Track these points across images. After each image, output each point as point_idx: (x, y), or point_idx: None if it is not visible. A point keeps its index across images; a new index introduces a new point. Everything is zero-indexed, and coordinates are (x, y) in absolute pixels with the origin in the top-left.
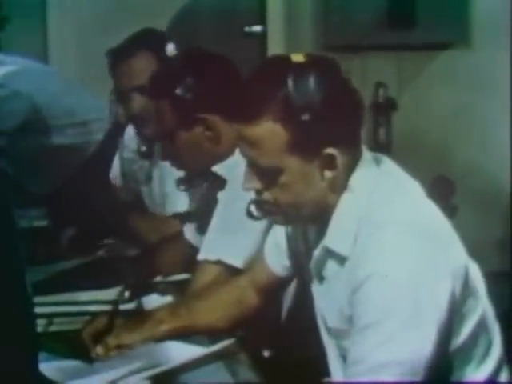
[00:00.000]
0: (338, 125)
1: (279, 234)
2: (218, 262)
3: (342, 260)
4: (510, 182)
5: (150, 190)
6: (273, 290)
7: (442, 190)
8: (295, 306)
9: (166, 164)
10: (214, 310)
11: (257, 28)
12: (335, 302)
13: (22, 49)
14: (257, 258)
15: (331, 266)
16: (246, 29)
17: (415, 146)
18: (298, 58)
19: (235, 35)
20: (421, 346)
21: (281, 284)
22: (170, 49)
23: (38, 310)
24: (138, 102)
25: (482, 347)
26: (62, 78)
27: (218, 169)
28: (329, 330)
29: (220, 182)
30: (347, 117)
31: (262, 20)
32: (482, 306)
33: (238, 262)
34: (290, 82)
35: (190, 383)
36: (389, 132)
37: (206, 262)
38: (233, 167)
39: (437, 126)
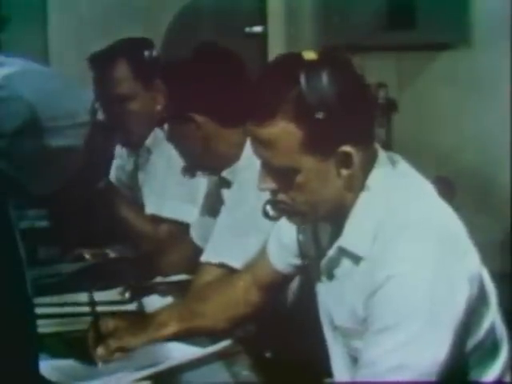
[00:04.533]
0: (352, 122)
1: (285, 232)
2: (221, 265)
3: (357, 260)
4: (510, 182)
5: (140, 195)
6: (275, 287)
7: (443, 191)
8: (297, 305)
9: (152, 169)
10: (217, 311)
11: (257, 28)
12: (346, 301)
13: (22, 49)
14: (259, 257)
15: (344, 265)
16: (247, 29)
17: (415, 146)
18: (310, 55)
19: (235, 35)
20: (436, 350)
21: (283, 281)
22: (148, 54)
23: (38, 310)
24: (120, 109)
25: (488, 353)
26: (62, 79)
27: (225, 174)
28: (335, 328)
29: (227, 186)
30: (361, 114)
31: (262, 20)
32: (493, 312)
33: (240, 266)
34: (302, 81)
35: (190, 383)
36: (389, 132)
37: (209, 264)
38: (238, 172)
39: (437, 127)
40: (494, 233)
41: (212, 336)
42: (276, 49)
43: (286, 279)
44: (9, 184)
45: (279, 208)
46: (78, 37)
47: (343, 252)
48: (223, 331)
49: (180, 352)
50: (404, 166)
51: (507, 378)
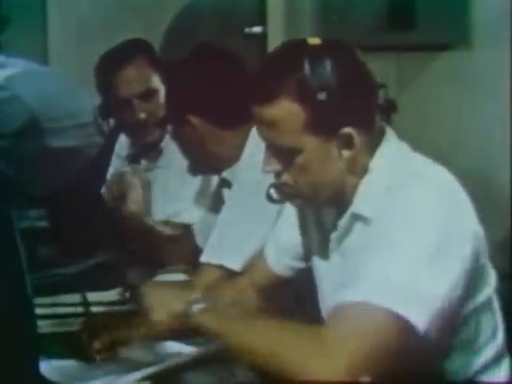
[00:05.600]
0: (354, 105)
1: (284, 234)
2: (220, 266)
3: (369, 224)
4: (510, 183)
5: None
6: (273, 290)
7: None
8: (296, 305)
9: (162, 170)
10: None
11: (257, 29)
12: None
13: (22, 49)
14: (256, 260)
15: (356, 233)
16: (247, 29)
17: (415, 146)
18: (314, 40)
19: (235, 36)
20: (436, 283)
21: (281, 284)
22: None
23: (38, 311)
24: (141, 108)
25: (486, 329)
26: (63, 81)
27: (226, 174)
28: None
29: (227, 186)
30: (363, 97)
31: (262, 20)
32: (493, 288)
33: (239, 268)
34: (306, 63)
35: (189, 383)
36: None
37: (209, 264)
38: (238, 172)
39: (437, 127)
40: (494, 233)
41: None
42: None
43: (283, 282)
44: (10, 184)
45: (283, 191)
46: (78, 37)
47: (355, 218)
48: None
49: (179, 351)
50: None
51: (503, 365)
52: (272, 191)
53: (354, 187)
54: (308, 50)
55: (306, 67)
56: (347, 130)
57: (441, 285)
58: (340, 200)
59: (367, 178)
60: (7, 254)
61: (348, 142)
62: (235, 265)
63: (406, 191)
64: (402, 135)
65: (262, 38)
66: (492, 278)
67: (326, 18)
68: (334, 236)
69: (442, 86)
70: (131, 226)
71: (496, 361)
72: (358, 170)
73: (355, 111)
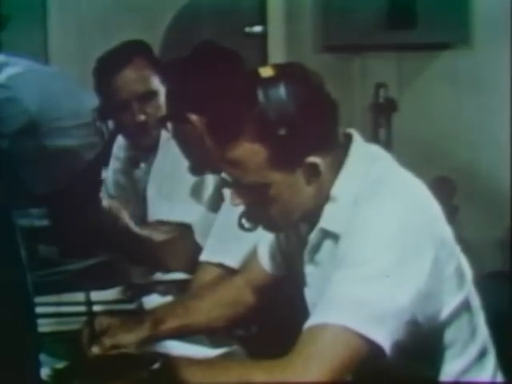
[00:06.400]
0: (315, 132)
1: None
2: (220, 265)
3: (336, 239)
4: (510, 182)
5: (137, 198)
6: (268, 289)
7: (443, 190)
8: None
9: (156, 171)
10: (211, 309)
11: (257, 28)
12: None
13: (23, 49)
14: (251, 259)
15: (326, 248)
16: (247, 29)
17: (415, 146)
18: (266, 72)
19: (235, 35)
20: (396, 296)
21: (276, 283)
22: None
23: (38, 310)
24: (140, 110)
25: (465, 331)
26: (64, 80)
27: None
28: None
29: (227, 185)
30: (323, 123)
31: (262, 20)
32: (468, 289)
33: (238, 266)
34: (261, 100)
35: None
36: (389, 132)
37: (208, 263)
38: None
39: (437, 126)
40: (494, 233)
41: (210, 335)
42: (276, 49)
43: (277, 281)
44: (10, 183)
45: (254, 220)
46: (78, 37)
47: (324, 234)
48: (218, 330)
49: (180, 351)
50: (380, 152)
51: (486, 365)
52: (243, 220)
53: (324, 203)
54: (261, 84)
55: (262, 105)
56: (311, 159)
57: (403, 297)
58: (310, 216)
59: (333, 194)
60: (7, 253)
61: (314, 171)
62: (234, 263)
63: (369, 203)
64: (402, 134)
65: (262, 37)
66: (467, 278)
67: (326, 18)
68: (307, 249)
69: (443, 85)
70: (128, 232)
71: (478, 360)
72: (327, 187)
73: (317, 139)
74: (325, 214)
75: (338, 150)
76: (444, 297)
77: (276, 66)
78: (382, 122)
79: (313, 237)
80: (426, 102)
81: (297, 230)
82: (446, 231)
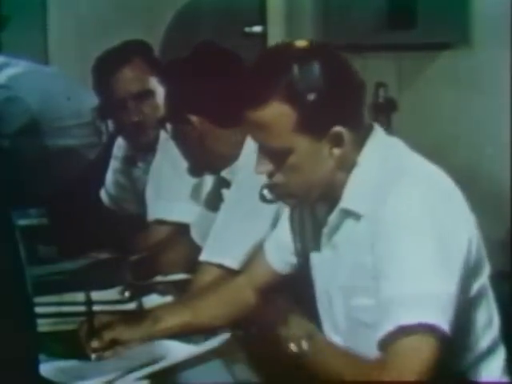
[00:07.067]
0: (342, 105)
1: (285, 231)
2: (220, 266)
3: (358, 219)
4: (510, 182)
5: (137, 197)
6: (271, 288)
7: None
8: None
9: (156, 170)
10: (212, 308)
11: (257, 28)
12: (351, 262)
13: (22, 49)
14: (256, 257)
15: (344, 229)
16: (246, 29)
17: (415, 146)
18: (301, 43)
19: (235, 35)
20: (446, 282)
21: (279, 281)
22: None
23: (38, 309)
24: (136, 109)
25: (485, 314)
26: (65, 80)
27: (225, 174)
28: (339, 288)
29: (226, 185)
30: (350, 97)
31: (262, 20)
32: (487, 272)
33: (238, 266)
34: (294, 66)
35: (188, 383)
36: (389, 132)
37: (208, 263)
38: (237, 171)
39: (437, 127)
40: (494, 233)
41: (209, 335)
42: None
43: (281, 279)
44: (11, 183)
45: (275, 191)
46: (78, 37)
47: (345, 214)
48: (219, 329)
49: (178, 350)
50: (398, 142)
51: (498, 354)
52: (265, 191)
53: (344, 182)
54: (296, 52)
55: (295, 69)
56: (337, 129)
57: (452, 282)
58: (330, 195)
59: (355, 173)
60: (6, 253)
61: (338, 140)
62: (234, 264)
63: (396, 189)
64: (402, 134)
65: (262, 37)
66: (487, 267)
67: (326, 18)
68: (325, 230)
69: (443, 85)
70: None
71: (492, 350)
72: (347, 165)
73: (344, 111)
74: (346, 193)
75: (361, 132)
76: (473, 274)
77: (311, 41)
78: (381, 122)
79: (333, 217)
80: (426, 101)
81: (313, 213)
82: (469, 211)
